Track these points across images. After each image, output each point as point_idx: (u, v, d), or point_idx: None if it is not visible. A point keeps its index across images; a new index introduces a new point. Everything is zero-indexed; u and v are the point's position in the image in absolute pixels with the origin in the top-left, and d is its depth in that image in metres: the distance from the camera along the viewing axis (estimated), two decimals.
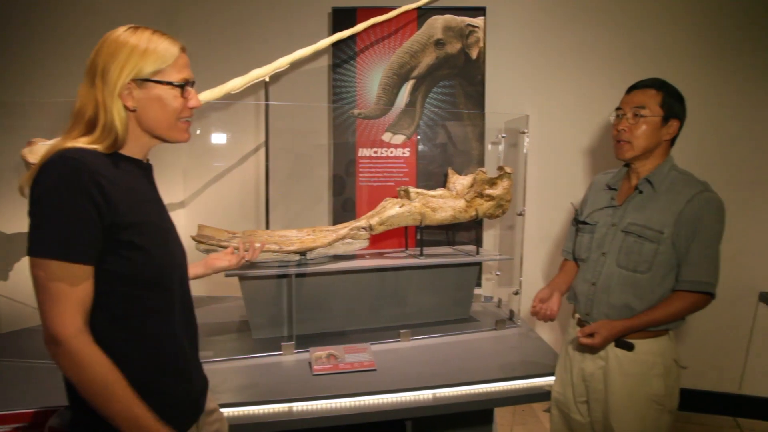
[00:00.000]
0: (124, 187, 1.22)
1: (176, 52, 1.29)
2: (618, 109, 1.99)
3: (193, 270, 2.00)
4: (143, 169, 1.35)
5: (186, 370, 1.37)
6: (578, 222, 2.16)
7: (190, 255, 2.07)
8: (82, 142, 1.21)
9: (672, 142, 1.98)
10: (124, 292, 1.22)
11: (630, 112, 1.93)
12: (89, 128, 1.23)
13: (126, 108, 1.25)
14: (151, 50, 1.24)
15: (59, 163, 1.14)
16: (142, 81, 1.24)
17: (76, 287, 1.14)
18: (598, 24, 3.44)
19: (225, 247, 2.31)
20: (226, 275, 2.39)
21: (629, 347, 1.87)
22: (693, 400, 3.57)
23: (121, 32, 1.25)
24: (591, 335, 1.86)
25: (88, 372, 1.15)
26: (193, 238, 2.38)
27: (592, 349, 1.92)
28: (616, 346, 1.88)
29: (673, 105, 1.90)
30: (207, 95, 2.77)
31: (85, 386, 1.16)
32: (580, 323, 2.04)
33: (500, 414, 3.50)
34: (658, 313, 1.83)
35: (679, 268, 1.86)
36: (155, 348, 1.29)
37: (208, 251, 2.36)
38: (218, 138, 3.70)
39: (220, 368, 2.27)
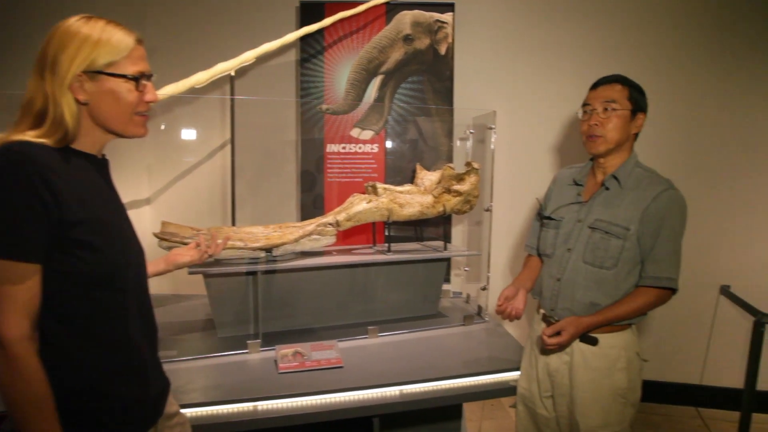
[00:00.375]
0: (74, 183, 1.17)
1: (131, 43, 1.24)
2: (585, 105, 2.00)
3: (153, 267, 1.96)
4: (97, 165, 1.30)
5: (142, 372, 1.32)
6: (543, 217, 2.16)
7: (154, 253, 2.04)
8: (30, 136, 1.15)
9: (635, 137, 2.00)
10: (74, 292, 1.17)
11: (600, 107, 1.95)
12: (38, 121, 1.17)
13: (77, 101, 1.19)
14: (104, 41, 1.19)
15: (2, 156, 1.09)
16: (94, 73, 1.19)
17: (21, 287, 1.09)
18: (565, 21, 3.46)
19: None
20: (190, 272, 2.35)
21: (593, 342, 1.88)
22: (657, 392, 3.63)
23: (73, 22, 1.19)
24: (557, 333, 1.87)
25: (22, 383, 1.10)
26: (156, 235, 2.33)
27: (560, 347, 1.92)
28: (581, 341, 1.90)
29: (639, 99, 1.95)
30: (170, 89, 2.71)
31: (13, 396, 1.11)
32: (545, 319, 2.06)
33: (469, 409, 3.51)
34: (623, 309, 1.85)
35: (643, 265, 1.89)
36: (107, 349, 1.24)
37: (171, 248, 2.31)
38: (184, 133, 3.62)
39: (184, 368, 2.22)
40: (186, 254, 2.10)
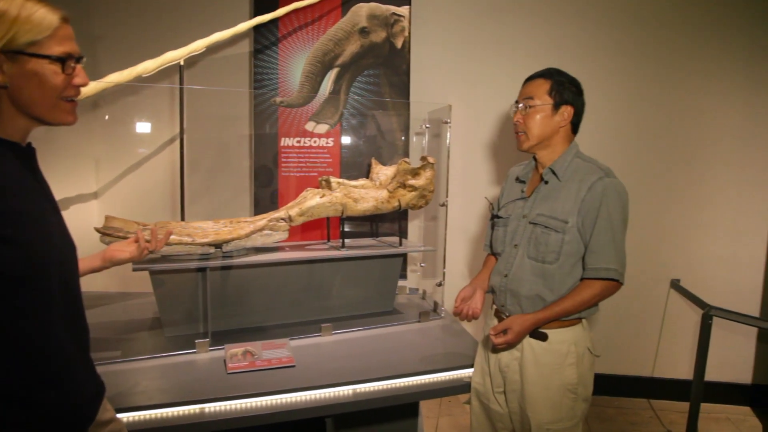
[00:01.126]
0: None
1: (55, 21, 1.14)
2: (516, 102, 2.01)
3: (89, 263, 1.84)
4: (21, 154, 1.20)
5: (68, 377, 1.23)
6: (494, 216, 2.16)
7: (97, 249, 1.94)
8: None
9: (575, 129, 1.99)
10: None
11: (523, 104, 1.96)
12: None
13: None
14: (23, 18, 1.09)
15: None
16: (13, 53, 1.09)
17: None
18: (520, 17, 3.47)
19: None
20: (134, 269, 2.25)
21: (543, 337, 1.87)
22: (611, 385, 3.69)
23: None
24: (504, 332, 1.85)
25: None
26: (98, 230, 2.22)
27: (509, 344, 1.91)
28: (531, 336, 1.89)
29: (562, 92, 1.92)
30: (116, 77, 2.60)
31: None
32: (497, 315, 2.04)
33: (426, 406, 3.50)
34: (568, 303, 1.83)
35: (585, 256, 1.87)
36: (25, 352, 1.13)
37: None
38: (133, 125, 3.49)
39: (129, 369, 2.12)
40: (124, 250, 1.94)
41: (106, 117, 3.27)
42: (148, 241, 2.00)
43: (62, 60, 1.15)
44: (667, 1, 3.41)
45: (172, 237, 2.27)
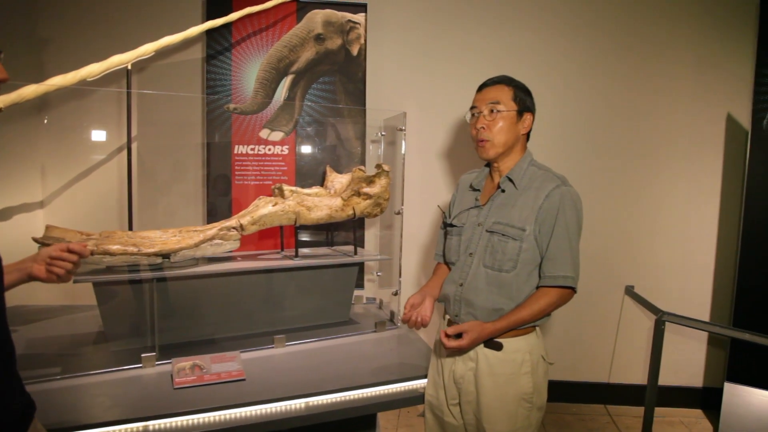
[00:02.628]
0: None
1: None
2: (473, 108, 1.98)
3: (9, 276, 1.60)
4: None
5: None
6: (446, 224, 2.13)
7: None
8: None
9: (527, 137, 2.00)
10: None
11: (486, 109, 1.93)
12: None
13: None
14: None
15: None
16: None
17: None
18: (474, 25, 3.50)
19: None
20: (75, 281, 2.15)
21: (498, 347, 1.85)
22: (568, 392, 3.72)
23: None
24: (459, 335, 1.82)
25: None
26: (36, 241, 2.12)
27: (460, 351, 1.88)
28: (485, 346, 1.86)
29: (524, 99, 1.93)
30: (59, 80, 2.50)
31: None
32: (450, 324, 2.01)
33: (385, 417, 3.46)
34: (526, 312, 1.81)
35: (541, 264, 1.86)
36: None
37: None
38: (81, 130, 3.38)
39: (70, 386, 2.02)
40: (41, 268, 1.62)
41: (45, 120, 3.15)
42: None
43: None
44: (618, 11, 3.48)
45: (117, 247, 2.18)
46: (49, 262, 1.58)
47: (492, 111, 1.91)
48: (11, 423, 1.21)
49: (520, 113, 1.92)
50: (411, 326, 2.00)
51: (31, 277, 1.60)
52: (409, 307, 2.02)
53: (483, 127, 1.93)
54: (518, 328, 1.85)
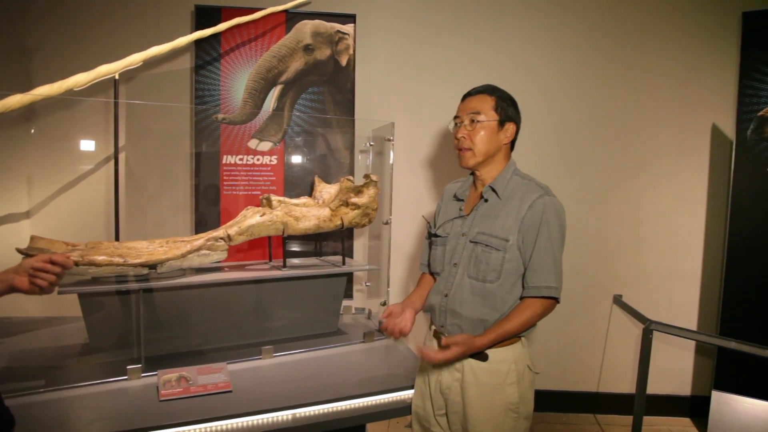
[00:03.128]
0: None
1: None
2: (456, 117, 1.99)
3: (5, 282, 1.57)
4: None
5: None
6: (431, 235, 2.12)
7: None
8: None
9: (512, 146, 2.00)
10: None
11: (467, 119, 1.93)
12: None
13: None
14: None
15: None
16: None
17: None
18: (463, 35, 3.51)
19: None
20: (60, 292, 2.13)
21: (483, 358, 1.84)
22: (558, 401, 3.71)
23: None
24: (444, 346, 1.80)
25: None
26: (20, 251, 2.10)
27: (446, 362, 1.86)
28: (471, 357, 1.85)
29: (506, 109, 1.93)
30: (45, 90, 2.49)
31: None
32: (436, 335, 2.00)
33: (374, 429, 3.44)
34: (511, 324, 1.81)
35: (524, 274, 1.86)
36: None
37: None
38: (68, 140, 3.35)
39: (53, 399, 2.00)
40: (24, 279, 1.57)
41: (32, 130, 3.13)
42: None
43: None
44: (604, 23, 3.52)
45: (102, 258, 2.17)
46: (31, 274, 1.55)
47: (472, 121, 1.92)
48: None
49: (501, 123, 1.92)
50: (390, 336, 1.97)
51: (13, 289, 1.56)
52: (387, 314, 2.01)
53: (464, 137, 1.93)
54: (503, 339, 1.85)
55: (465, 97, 1.99)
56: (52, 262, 1.56)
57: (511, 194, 1.89)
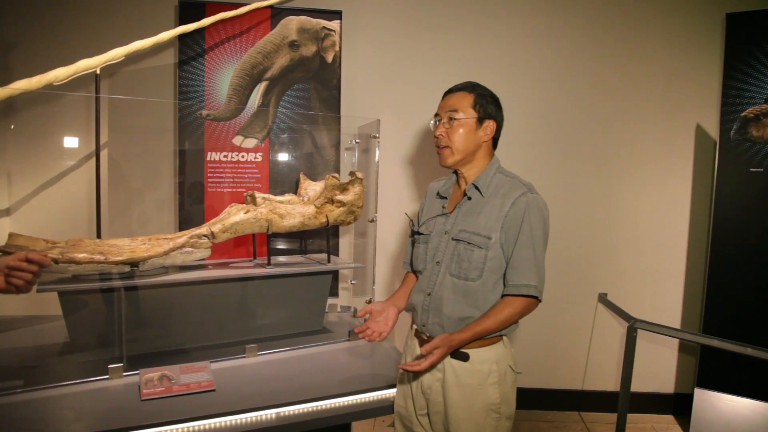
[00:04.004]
0: None
1: None
2: (436, 115, 1.98)
3: None
4: None
5: None
6: (414, 233, 2.10)
7: None
8: None
9: (495, 144, 1.99)
10: None
11: (446, 117, 1.92)
12: None
13: None
14: None
15: None
16: None
17: None
18: (449, 32, 3.51)
19: None
20: (39, 290, 2.09)
21: (465, 358, 1.82)
22: (543, 399, 3.73)
23: None
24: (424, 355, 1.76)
25: None
26: None
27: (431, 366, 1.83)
28: (452, 357, 1.83)
29: (486, 106, 1.91)
30: (23, 85, 2.43)
31: None
32: (417, 334, 1.99)
33: (360, 427, 3.43)
34: (489, 322, 1.79)
35: (506, 272, 1.84)
36: None
37: None
38: (49, 136, 3.30)
39: (33, 399, 1.96)
40: None
41: (12, 126, 3.07)
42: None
43: None
44: (588, 23, 3.53)
45: (83, 255, 2.13)
46: (7, 273, 1.52)
47: (450, 119, 1.90)
48: None
49: (480, 120, 1.90)
50: (368, 340, 1.94)
51: None
52: (364, 312, 2.00)
53: (441, 135, 1.92)
54: (484, 338, 1.82)
55: (445, 94, 1.98)
56: (29, 261, 1.53)
57: (494, 192, 1.88)
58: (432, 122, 1.99)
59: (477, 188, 1.90)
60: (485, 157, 1.95)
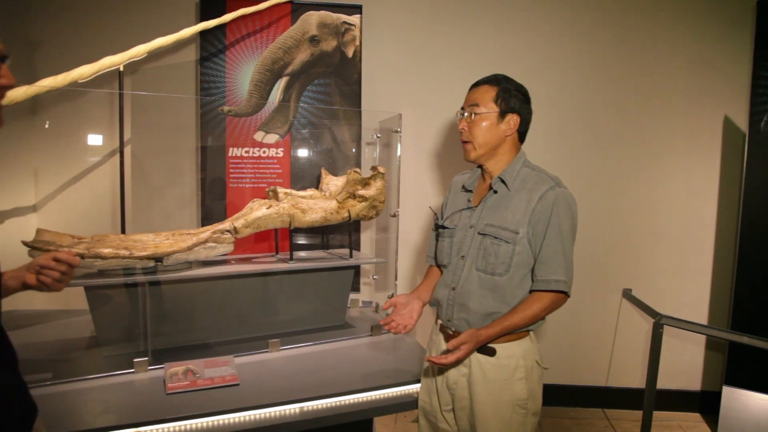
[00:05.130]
0: None
1: None
2: (462, 109, 1.95)
3: (4, 284, 1.54)
4: None
5: None
6: (438, 226, 2.08)
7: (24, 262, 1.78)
8: None
9: (522, 138, 1.95)
10: None
11: (468, 111, 1.90)
12: None
13: None
14: None
15: None
16: None
17: None
18: (471, 25, 3.48)
19: None
20: (68, 285, 2.11)
21: (491, 353, 1.80)
22: (567, 395, 3.70)
23: None
24: (450, 350, 1.75)
25: None
26: (26, 244, 2.08)
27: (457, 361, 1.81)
28: (479, 352, 1.81)
29: (508, 100, 1.87)
30: (49, 82, 2.47)
31: None
32: (443, 329, 1.97)
33: (381, 422, 3.42)
34: (519, 317, 1.77)
35: (534, 267, 1.82)
36: None
37: None
38: (75, 133, 3.34)
39: (60, 392, 1.99)
40: (32, 276, 1.56)
41: (47, 124, 3.12)
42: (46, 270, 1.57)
43: None
44: (617, 13, 3.47)
45: (108, 250, 2.15)
46: (38, 271, 1.55)
47: (472, 113, 1.88)
48: (17, 425, 1.21)
49: (502, 114, 1.87)
50: (392, 331, 1.93)
51: (26, 286, 1.57)
52: (389, 305, 1.98)
53: (463, 129, 1.90)
54: (511, 333, 1.81)
55: (470, 87, 1.95)
56: (56, 260, 1.55)
57: (521, 186, 1.85)
58: (457, 115, 1.97)
59: (503, 182, 1.88)
60: (510, 151, 1.92)
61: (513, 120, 1.88)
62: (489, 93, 1.87)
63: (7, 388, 1.20)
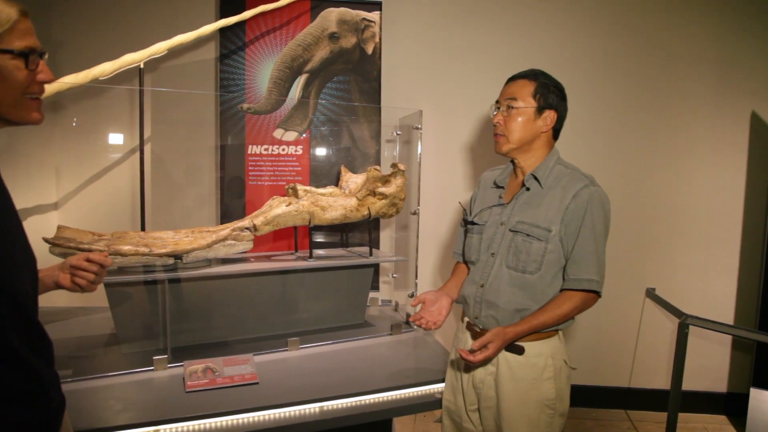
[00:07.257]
0: None
1: (14, 15, 1.08)
2: (496, 102, 1.92)
3: (52, 278, 1.57)
4: None
5: (35, 392, 1.16)
6: (467, 222, 2.05)
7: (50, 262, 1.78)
8: None
9: (556, 135, 1.92)
10: None
11: (504, 105, 1.87)
12: None
13: None
14: None
15: None
16: None
17: None
18: (492, 21, 3.43)
19: (84, 251, 2.01)
20: None
21: (520, 351, 1.77)
22: (588, 396, 3.64)
23: None
24: (481, 348, 1.73)
25: None
26: (47, 240, 2.09)
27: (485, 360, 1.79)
28: (506, 350, 1.78)
29: (547, 96, 1.84)
30: (71, 79, 2.48)
31: None
32: (469, 327, 1.94)
33: (401, 422, 3.40)
34: (548, 315, 1.75)
35: (566, 266, 1.79)
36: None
37: (65, 255, 2.07)
38: (96, 131, 3.35)
39: (80, 389, 1.99)
40: (67, 276, 1.57)
41: (74, 122, 3.15)
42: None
43: (25, 55, 1.10)
44: (639, 10, 3.41)
45: (128, 248, 2.15)
46: (72, 272, 1.55)
47: (509, 107, 1.85)
48: (51, 415, 1.23)
49: (539, 110, 1.84)
50: (423, 327, 1.92)
51: (58, 286, 1.57)
52: (417, 301, 1.97)
53: (499, 122, 1.87)
54: (540, 332, 1.78)
55: (507, 81, 1.92)
56: (89, 260, 1.55)
57: (554, 183, 1.82)
58: (492, 109, 1.93)
59: (536, 179, 1.84)
60: (543, 148, 1.89)
61: (550, 116, 1.85)
62: (527, 88, 1.84)
63: (48, 377, 1.22)
